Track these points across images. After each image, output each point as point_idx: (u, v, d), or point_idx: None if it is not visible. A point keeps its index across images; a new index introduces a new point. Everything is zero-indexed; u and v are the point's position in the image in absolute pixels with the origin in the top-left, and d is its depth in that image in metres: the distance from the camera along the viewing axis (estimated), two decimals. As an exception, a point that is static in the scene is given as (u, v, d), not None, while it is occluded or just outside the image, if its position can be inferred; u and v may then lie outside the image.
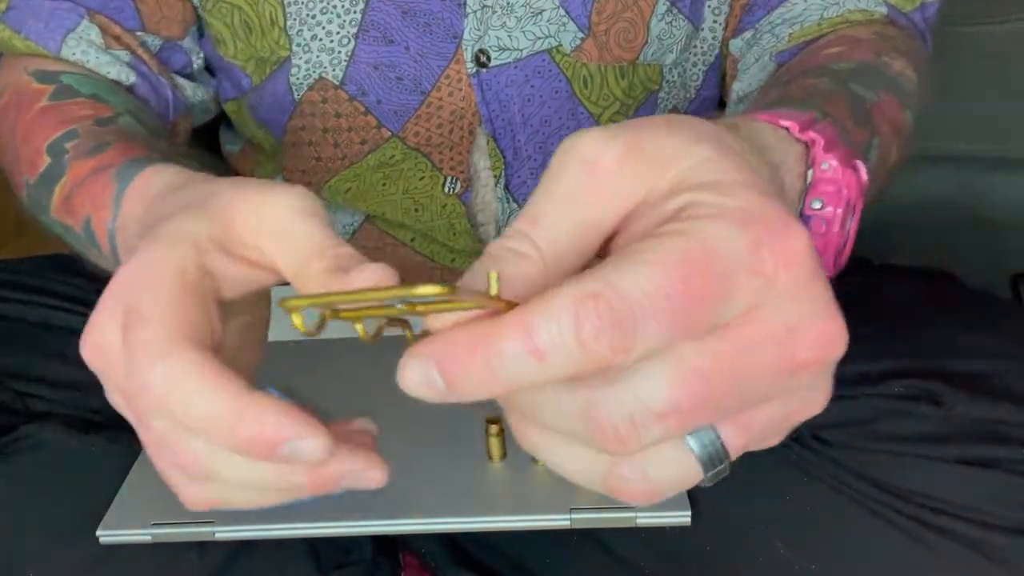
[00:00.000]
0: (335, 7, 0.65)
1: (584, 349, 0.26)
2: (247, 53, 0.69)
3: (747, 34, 0.68)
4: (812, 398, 0.30)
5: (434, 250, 0.74)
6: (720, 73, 0.72)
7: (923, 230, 0.99)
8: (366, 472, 0.34)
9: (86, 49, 0.64)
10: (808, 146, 0.39)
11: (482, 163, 0.70)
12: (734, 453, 0.30)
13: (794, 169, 0.38)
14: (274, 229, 0.36)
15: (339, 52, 0.66)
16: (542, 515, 0.51)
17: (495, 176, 0.70)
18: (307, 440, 0.32)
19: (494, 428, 0.53)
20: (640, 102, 0.70)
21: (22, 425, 0.57)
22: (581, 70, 0.68)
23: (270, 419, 0.32)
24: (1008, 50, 0.94)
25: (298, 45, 0.66)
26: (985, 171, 0.98)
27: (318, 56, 0.66)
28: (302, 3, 0.65)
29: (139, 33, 0.66)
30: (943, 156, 0.97)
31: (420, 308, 0.28)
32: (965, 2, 0.92)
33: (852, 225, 0.43)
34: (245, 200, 0.36)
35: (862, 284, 0.64)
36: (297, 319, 0.32)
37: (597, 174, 0.29)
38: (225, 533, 0.51)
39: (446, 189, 0.70)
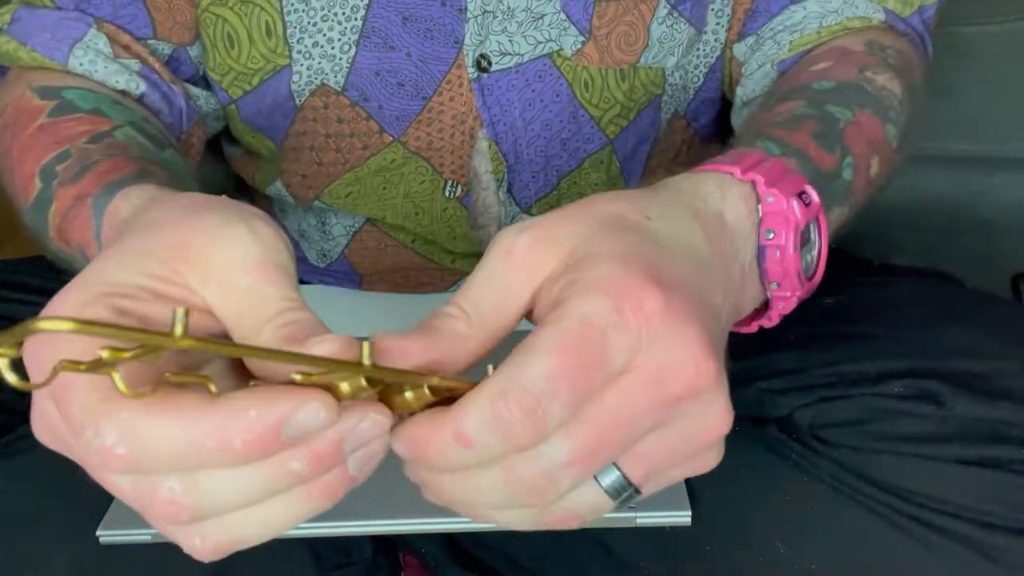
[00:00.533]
0: (336, 14, 0.65)
1: (506, 439, 0.32)
2: (224, 67, 0.68)
3: (750, 39, 0.69)
4: (707, 423, 0.35)
5: (434, 252, 0.74)
6: (723, 75, 0.72)
7: (923, 230, 0.99)
8: (363, 423, 0.32)
9: (94, 59, 0.62)
10: (754, 184, 0.43)
11: (483, 167, 0.70)
12: (639, 481, 0.35)
13: (740, 205, 0.42)
14: (220, 279, 0.34)
15: (340, 59, 0.66)
16: None
17: (497, 179, 0.70)
18: (304, 406, 0.31)
19: None
20: (642, 105, 0.70)
21: (22, 425, 0.57)
22: (582, 73, 0.67)
23: (259, 407, 0.30)
24: (1008, 50, 0.94)
25: (299, 52, 0.66)
26: (985, 171, 0.98)
27: (319, 63, 0.66)
28: (302, 11, 0.65)
29: (150, 41, 0.66)
30: (943, 156, 0.97)
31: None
32: (965, 2, 0.92)
33: (822, 244, 0.45)
34: (192, 243, 0.35)
35: (862, 284, 0.64)
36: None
37: (511, 259, 0.36)
38: None
39: (446, 193, 0.70)
